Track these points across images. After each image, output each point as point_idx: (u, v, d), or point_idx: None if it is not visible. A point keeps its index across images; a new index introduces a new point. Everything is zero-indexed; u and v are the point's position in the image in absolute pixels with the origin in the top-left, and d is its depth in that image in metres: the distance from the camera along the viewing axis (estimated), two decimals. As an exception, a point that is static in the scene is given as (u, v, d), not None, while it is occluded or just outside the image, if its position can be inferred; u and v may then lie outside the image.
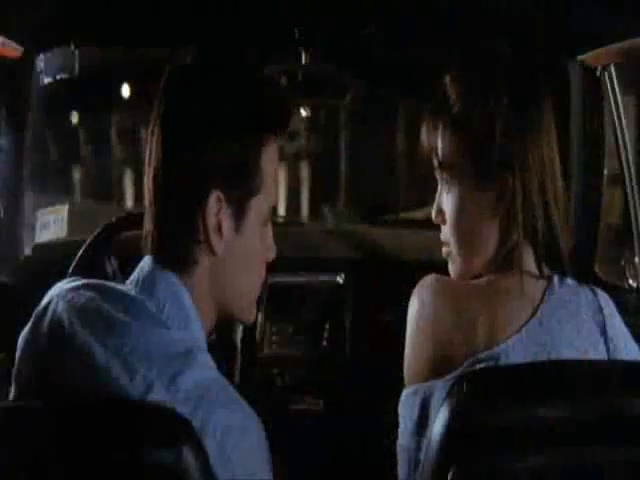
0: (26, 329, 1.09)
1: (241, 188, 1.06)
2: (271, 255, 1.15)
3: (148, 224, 1.09)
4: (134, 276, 1.09)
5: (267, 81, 1.14)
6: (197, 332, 1.07)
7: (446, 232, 1.24)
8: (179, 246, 1.06)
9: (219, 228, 1.05)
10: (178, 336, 1.03)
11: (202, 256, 1.07)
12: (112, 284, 1.11)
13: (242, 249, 1.09)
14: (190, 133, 1.05)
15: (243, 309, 1.14)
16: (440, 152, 1.21)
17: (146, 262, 1.09)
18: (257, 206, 1.08)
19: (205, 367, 1.01)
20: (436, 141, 1.21)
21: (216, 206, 1.04)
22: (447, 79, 1.22)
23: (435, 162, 1.22)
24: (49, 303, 1.07)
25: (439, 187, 1.25)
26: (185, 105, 1.07)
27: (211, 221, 1.04)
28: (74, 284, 1.10)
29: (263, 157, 1.07)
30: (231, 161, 1.05)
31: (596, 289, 1.22)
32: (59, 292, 1.09)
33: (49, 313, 1.06)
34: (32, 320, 1.08)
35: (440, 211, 1.25)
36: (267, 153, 1.08)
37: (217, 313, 1.12)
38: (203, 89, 1.07)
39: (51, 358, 1.03)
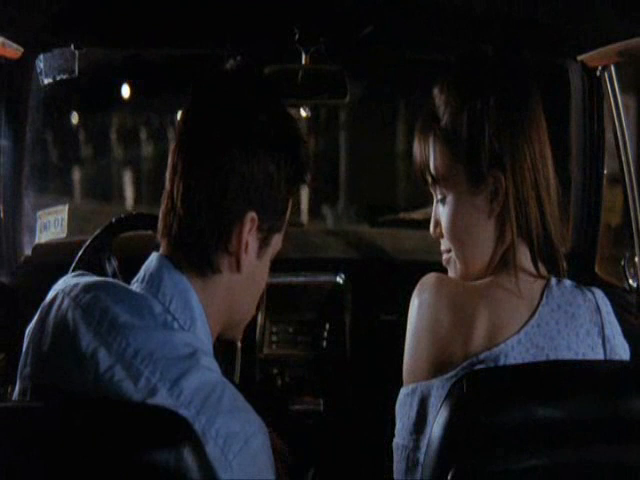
0: (32, 324, 1.08)
1: (272, 220, 1.10)
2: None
3: (168, 223, 1.08)
4: (141, 273, 1.09)
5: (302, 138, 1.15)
6: (202, 334, 1.06)
7: (445, 242, 1.25)
8: (208, 252, 1.07)
9: (247, 248, 1.08)
10: (182, 338, 1.03)
11: (225, 268, 1.08)
12: (118, 282, 1.11)
13: (257, 275, 1.14)
14: (240, 145, 1.06)
15: (238, 328, 1.20)
16: (432, 164, 1.21)
17: (153, 259, 1.09)
18: (275, 242, 1.14)
19: (209, 370, 1.00)
20: (428, 154, 1.22)
21: (249, 226, 1.07)
22: (434, 92, 1.22)
23: (429, 178, 1.23)
24: (55, 298, 1.07)
25: (434, 200, 1.25)
26: (236, 114, 1.07)
27: (244, 238, 1.07)
28: (80, 280, 1.09)
29: (289, 203, 1.13)
30: (271, 190, 1.08)
31: (593, 288, 1.22)
32: (65, 287, 1.08)
33: (54, 309, 1.06)
34: (38, 315, 1.08)
35: (437, 224, 1.25)
36: (290, 201, 1.14)
37: (221, 326, 1.13)
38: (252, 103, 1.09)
39: (54, 357, 1.03)
